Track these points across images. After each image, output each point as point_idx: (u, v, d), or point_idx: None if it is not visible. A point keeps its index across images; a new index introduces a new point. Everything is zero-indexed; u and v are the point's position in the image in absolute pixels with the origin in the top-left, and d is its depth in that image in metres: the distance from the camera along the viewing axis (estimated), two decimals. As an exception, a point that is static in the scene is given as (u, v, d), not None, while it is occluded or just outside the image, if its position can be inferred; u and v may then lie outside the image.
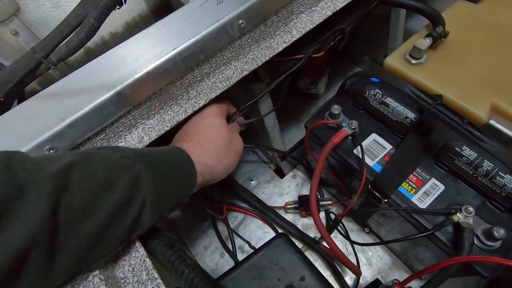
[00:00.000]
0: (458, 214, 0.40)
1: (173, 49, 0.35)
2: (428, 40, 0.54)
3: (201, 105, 0.40)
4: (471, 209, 0.39)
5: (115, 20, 0.60)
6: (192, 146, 0.39)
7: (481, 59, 0.54)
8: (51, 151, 0.32)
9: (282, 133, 0.68)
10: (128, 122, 0.37)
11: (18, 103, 0.53)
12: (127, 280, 0.31)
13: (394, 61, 0.57)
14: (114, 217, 0.27)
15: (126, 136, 0.38)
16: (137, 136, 0.38)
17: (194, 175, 0.36)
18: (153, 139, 0.38)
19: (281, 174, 0.74)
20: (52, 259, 0.23)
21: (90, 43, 0.53)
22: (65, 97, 0.34)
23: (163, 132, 0.39)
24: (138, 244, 0.32)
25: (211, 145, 0.40)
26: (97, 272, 0.29)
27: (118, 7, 0.47)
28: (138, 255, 0.31)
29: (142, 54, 0.35)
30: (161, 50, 0.35)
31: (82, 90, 0.34)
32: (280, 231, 0.66)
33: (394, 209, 0.45)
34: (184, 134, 0.41)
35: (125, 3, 0.47)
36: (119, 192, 0.27)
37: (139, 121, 0.38)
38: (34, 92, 0.57)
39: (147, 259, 0.30)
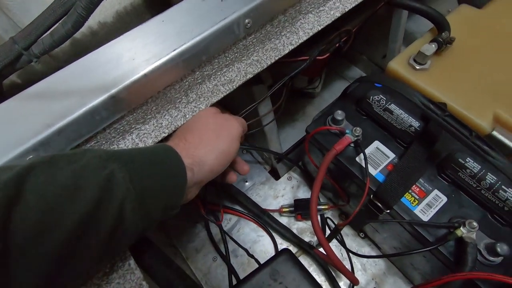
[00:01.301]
0: (461, 228, 0.39)
1: (174, 49, 0.32)
2: (433, 45, 0.53)
3: (201, 109, 0.37)
4: (475, 224, 0.39)
5: (105, 9, 0.55)
6: (176, 141, 0.35)
7: (485, 68, 0.53)
8: (34, 160, 0.29)
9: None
10: (122, 128, 0.34)
11: (-5, 97, 0.48)
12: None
13: (397, 65, 0.56)
14: (84, 227, 0.23)
15: (119, 143, 0.35)
16: (131, 143, 0.35)
17: (182, 170, 0.31)
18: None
19: (276, 175, 0.72)
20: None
21: (76, 33, 0.49)
22: (52, 99, 0.30)
23: (160, 138, 0.36)
24: (133, 264, 0.29)
25: (196, 135, 0.35)
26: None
27: (109, -4, 0.43)
28: (134, 278, 0.28)
29: (140, 52, 0.32)
30: (160, 49, 0.32)
31: (72, 92, 0.30)
32: (274, 235, 0.65)
33: (398, 221, 0.44)
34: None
35: (117, -8, 0.43)
36: (87, 197, 0.23)
37: (133, 126, 0.35)
38: (13, 86, 0.53)
39: (144, 283, 0.28)
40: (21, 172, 0.22)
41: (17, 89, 0.53)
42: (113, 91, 0.30)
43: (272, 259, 0.44)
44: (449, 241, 0.40)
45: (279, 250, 0.64)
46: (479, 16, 0.59)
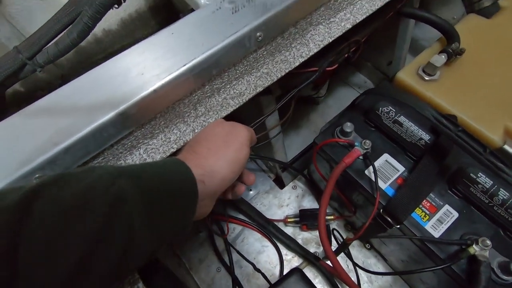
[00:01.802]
0: (474, 246, 0.39)
1: (185, 64, 0.31)
2: (443, 56, 0.52)
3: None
4: (488, 242, 0.38)
5: (110, 16, 0.54)
6: (185, 154, 0.34)
7: (495, 80, 0.52)
8: (41, 180, 0.28)
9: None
10: (129, 143, 0.33)
11: (-3, 106, 0.47)
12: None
13: (406, 76, 0.55)
14: (93, 249, 0.22)
15: (127, 158, 0.34)
16: (139, 158, 0.34)
17: (193, 184, 0.29)
18: (157, 161, 0.34)
19: (281, 184, 0.71)
20: None
21: (81, 41, 0.48)
22: (59, 115, 0.29)
23: (168, 154, 0.35)
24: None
25: (204, 146, 0.34)
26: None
27: (116, 6, 0.42)
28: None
29: (149, 67, 0.31)
30: (170, 64, 0.31)
31: (79, 108, 0.29)
32: (279, 245, 0.64)
33: (409, 238, 0.43)
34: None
35: (124, 1, 0.42)
36: (94, 218, 0.22)
37: (141, 141, 0.34)
38: (15, 94, 0.52)
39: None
40: (29, 194, 0.21)
41: (20, 97, 0.52)
42: (122, 107, 0.29)
43: (282, 279, 0.44)
44: (462, 259, 0.39)
45: (284, 260, 0.63)
46: (488, 27, 0.59)
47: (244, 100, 0.38)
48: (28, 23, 0.47)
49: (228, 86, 0.38)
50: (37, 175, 0.27)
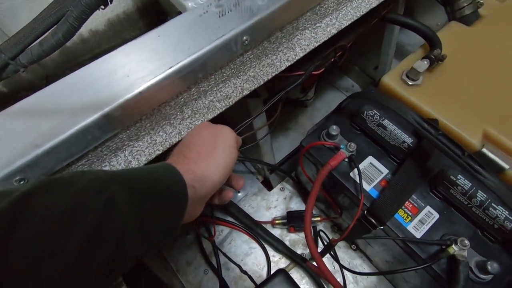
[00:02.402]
0: (453, 246, 0.40)
1: (170, 67, 0.31)
2: (425, 62, 0.53)
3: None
4: (466, 242, 0.39)
5: (97, 16, 0.54)
6: (174, 159, 0.34)
7: (475, 85, 0.54)
8: (21, 182, 0.27)
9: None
10: (114, 145, 0.33)
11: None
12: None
13: (390, 80, 0.56)
14: (83, 255, 0.22)
15: (111, 160, 0.33)
16: (124, 160, 0.34)
17: (183, 188, 0.30)
18: (142, 164, 0.34)
19: (269, 186, 0.72)
20: None
21: (66, 42, 0.47)
22: (41, 117, 0.29)
23: (154, 156, 0.35)
24: (125, 290, 0.28)
25: (193, 150, 0.34)
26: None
27: (102, 7, 0.42)
28: (126, 306, 0.27)
29: (134, 69, 0.31)
30: (156, 66, 0.31)
31: (62, 109, 0.29)
32: (267, 247, 0.64)
33: (392, 238, 0.44)
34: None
35: (111, 3, 0.42)
36: (86, 223, 0.22)
37: (126, 143, 0.34)
38: (-2, 94, 0.51)
39: (137, 311, 0.27)
40: (18, 200, 0.21)
41: (2, 98, 0.51)
42: (107, 109, 0.29)
43: (267, 281, 0.44)
44: (441, 259, 0.40)
45: (271, 262, 0.63)
46: (469, 34, 0.61)
47: (231, 103, 0.38)
48: (12, 22, 0.47)
49: (215, 89, 0.38)
50: (17, 177, 0.27)
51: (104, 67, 0.32)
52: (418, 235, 0.43)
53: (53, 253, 0.21)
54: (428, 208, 0.45)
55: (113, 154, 0.33)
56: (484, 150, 0.48)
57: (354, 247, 0.65)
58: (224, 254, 0.62)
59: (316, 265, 0.59)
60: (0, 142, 0.27)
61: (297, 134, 0.87)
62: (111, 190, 0.24)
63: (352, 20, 0.45)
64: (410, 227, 0.44)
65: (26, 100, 0.30)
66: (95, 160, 0.32)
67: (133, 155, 0.34)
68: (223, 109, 0.38)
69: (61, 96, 0.30)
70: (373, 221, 0.45)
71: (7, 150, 0.27)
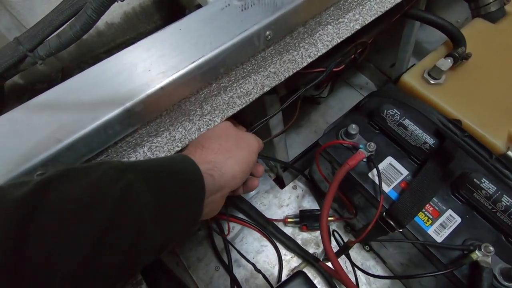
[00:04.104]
0: (477, 252, 0.39)
1: (192, 62, 0.30)
2: (449, 60, 0.52)
3: (216, 122, 0.36)
4: (491, 248, 0.38)
5: (113, 9, 0.53)
6: (191, 149, 0.34)
7: (501, 85, 0.52)
8: (43, 177, 0.27)
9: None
10: (134, 141, 0.32)
11: (-4, 98, 0.46)
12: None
13: (411, 78, 0.55)
14: (102, 243, 0.22)
15: (130, 156, 0.33)
16: (143, 156, 0.33)
17: (199, 177, 0.30)
18: (161, 160, 0.34)
19: (281, 184, 0.71)
20: None
21: (83, 35, 0.47)
22: (62, 111, 0.28)
23: (172, 152, 0.34)
24: (145, 288, 0.28)
25: (215, 142, 0.34)
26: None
27: (121, -1, 0.41)
28: (146, 305, 0.27)
29: (155, 64, 0.30)
30: (177, 61, 0.30)
31: (83, 103, 0.29)
32: (279, 245, 0.64)
33: (412, 242, 0.43)
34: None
35: (129, -5, 0.41)
36: (103, 211, 0.22)
37: (145, 139, 0.33)
38: (14, 86, 0.50)
39: (158, 311, 0.26)
40: (37, 188, 0.21)
41: (19, 89, 0.51)
42: (128, 104, 0.28)
43: (286, 282, 0.43)
44: (464, 264, 0.39)
45: (283, 261, 0.63)
46: (494, 31, 0.59)
47: (250, 100, 0.37)
48: (29, 13, 0.46)
49: (235, 85, 0.37)
50: (39, 172, 0.26)
51: (125, 61, 0.31)
52: (439, 239, 0.42)
53: (71, 239, 0.21)
54: (449, 211, 0.44)
55: (132, 150, 0.33)
56: (510, 153, 0.47)
57: (367, 248, 0.64)
58: (239, 252, 0.61)
59: (330, 265, 0.58)
60: (22, 136, 0.27)
61: (309, 131, 0.86)
62: (128, 178, 0.24)
63: (376, 16, 0.43)
64: (430, 231, 0.43)
65: (47, 93, 0.30)
66: (114, 155, 0.32)
67: (152, 151, 0.34)
68: (243, 105, 0.37)
69: (82, 90, 0.29)
70: (392, 223, 0.44)
71: (29, 144, 0.26)
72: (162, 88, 0.29)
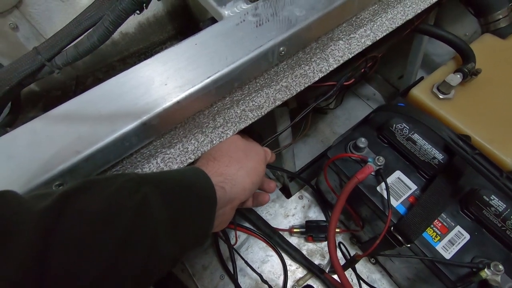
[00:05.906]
0: (486, 270, 0.39)
1: (208, 77, 0.31)
2: (458, 76, 0.52)
3: (229, 135, 0.36)
4: (501, 267, 0.38)
5: (128, 19, 0.54)
6: (203, 162, 0.35)
7: (510, 101, 0.52)
8: (60, 187, 0.27)
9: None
10: (148, 152, 0.33)
11: (12, 105, 0.47)
12: None
13: (420, 93, 0.55)
14: (120, 256, 0.22)
15: (144, 167, 0.33)
16: (156, 167, 0.34)
17: (212, 189, 0.30)
18: (174, 171, 0.34)
19: (287, 193, 0.71)
20: None
21: (98, 44, 0.48)
22: (80, 123, 0.29)
23: (185, 164, 0.35)
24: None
25: (225, 155, 0.35)
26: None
27: (138, 11, 0.42)
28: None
29: (172, 77, 0.31)
30: (193, 75, 0.31)
31: (101, 116, 0.29)
32: (284, 255, 0.64)
33: (420, 258, 0.43)
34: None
35: (146, 8, 0.42)
36: (120, 224, 0.23)
37: (159, 150, 0.34)
38: (30, 93, 0.52)
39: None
40: (60, 199, 0.21)
41: (34, 96, 0.52)
42: (145, 117, 0.29)
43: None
44: (472, 283, 0.39)
45: (288, 271, 0.63)
46: (504, 47, 0.59)
47: (262, 113, 0.38)
48: (48, 24, 0.47)
49: (248, 99, 0.37)
50: (57, 183, 0.27)
51: (142, 74, 0.32)
52: (448, 256, 0.42)
53: (90, 252, 0.21)
54: (458, 228, 0.44)
55: (146, 161, 0.33)
56: (519, 170, 0.47)
57: (373, 260, 0.63)
58: (245, 261, 0.61)
59: (336, 278, 0.58)
60: (41, 146, 0.28)
61: (316, 141, 0.86)
62: (144, 191, 0.25)
63: (387, 32, 0.44)
64: (439, 247, 0.43)
65: (65, 105, 0.30)
66: (128, 166, 0.32)
67: (165, 162, 0.34)
68: (255, 119, 0.37)
69: (99, 102, 0.30)
70: (400, 238, 0.44)
71: (48, 155, 0.27)
72: (178, 102, 0.30)
